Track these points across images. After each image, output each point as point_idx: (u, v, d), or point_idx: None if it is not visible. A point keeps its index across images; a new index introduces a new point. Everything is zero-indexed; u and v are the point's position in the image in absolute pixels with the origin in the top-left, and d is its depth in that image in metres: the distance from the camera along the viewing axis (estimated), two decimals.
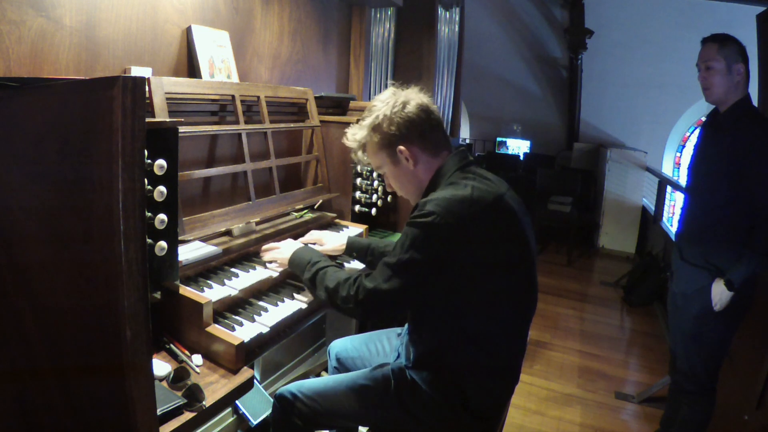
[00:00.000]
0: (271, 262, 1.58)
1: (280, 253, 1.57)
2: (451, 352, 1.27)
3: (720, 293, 1.77)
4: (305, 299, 1.51)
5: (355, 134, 1.38)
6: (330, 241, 1.72)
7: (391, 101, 1.32)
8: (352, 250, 1.69)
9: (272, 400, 1.50)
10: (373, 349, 1.66)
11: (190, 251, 1.43)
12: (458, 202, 1.17)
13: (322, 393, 1.42)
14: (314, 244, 1.72)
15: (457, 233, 1.16)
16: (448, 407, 1.28)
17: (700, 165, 1.96)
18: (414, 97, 1.32)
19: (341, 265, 1.76)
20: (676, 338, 2.03)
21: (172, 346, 1.23)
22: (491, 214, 1.20)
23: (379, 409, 1.37)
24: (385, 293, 1.20)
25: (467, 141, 7.28)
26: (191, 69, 1.79)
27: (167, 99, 1.43)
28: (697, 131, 3.42)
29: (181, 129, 1.26)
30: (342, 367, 1.70)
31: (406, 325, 1.42)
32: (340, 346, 1.73)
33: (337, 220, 2.09)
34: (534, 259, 1.31)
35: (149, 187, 1.09)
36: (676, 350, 2.03)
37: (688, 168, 2.06)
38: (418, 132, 1.30)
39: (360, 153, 1.41)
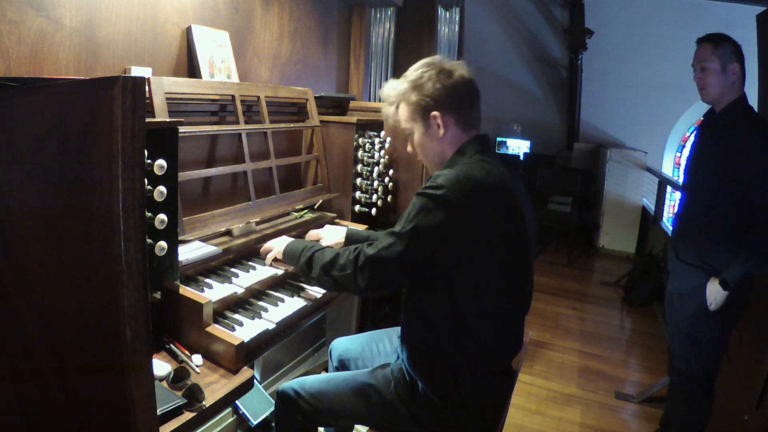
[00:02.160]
0: (270, 261, 1.58)
1: (276, 248, 1.56)
2: (445, 350, 1.27)
3: (715, 293, 1.77)
4: (305, 299, 1.51)
5: (395, 87, 1.35)
6: (328, 236, 1.72)
7: (438, 66, 1.30)
8: (351, 242, 1.68)
9: (272, 400, 1.50)
10: (375, 350, 1.66)
11: (190, 251, 1.43)
12: (469, 182, 1.18)
13: (324, 391, 1.42)
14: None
15: (463, 210, 1.16)
16: (447, 407, 1.28)
17: (697, 164, 1.96)
18: (460, 69, 1.31)
19: None
20: (673, 338, 2.03)
21: (172, 346, 1.23)
22: (498, 201, 1.21)
23: (381, 409, 1.37)
24: (387, 260, 1.20)
25: None
26: (191, 69, 1.79)
27: (167, 99, 1.44)
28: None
29: (181, 129, 1.26)
30: (342, 367, 1.70)
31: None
32: (342, 346, 1.73)
33: (337, 220, 2.09)
34: (531, 256, 1.31)
35: (149, 187, 1.09)
36: (674, 350, 2.04)
37: (685, 167, 2.07)
38: (456, 103, 1.30)
39: (393, 108, 1.38)
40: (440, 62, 1.32)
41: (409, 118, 1.35)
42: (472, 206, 1.17)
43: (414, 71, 1.32)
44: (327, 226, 1.81)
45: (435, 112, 1.30)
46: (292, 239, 1.58)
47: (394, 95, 1.36)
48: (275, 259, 1.58)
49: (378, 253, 1.21)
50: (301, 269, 1.40)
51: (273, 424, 1.52)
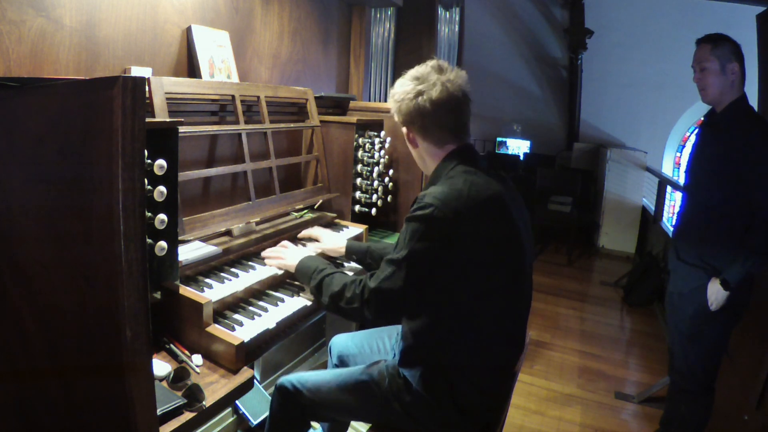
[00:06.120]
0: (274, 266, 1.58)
1: (286, 261, 1.56)
2: (441, 350, 1.28)
3: (716, 293, 1.78)
4: (305, 299, 1.51)
5: (391, 96, 1.39)
6: (328, 240, 1.73)
7: (411, 86, 1.32)
8: (352, 253, 1.70)
9: (271, 398, 1.51)
10: (374, 347, 1.67)
11: (190, 251, 1.43)
12: (454, 197, 1.20)
13: (321, 386, 1.44)
14: (312, 240, 1.75)
15: (453, 226, 1.18)
16: (439, 406, 1.29)
17: (697, 165, 1.96)
18: (437, 88, 1.29)
19: (341, 266, 1.77)
20: (673, 338, 2.03)
21: (172, 346, 1.23)
22: (486, 210, 1.22)
23: (376, 406, 1.38)
24: (389, 290, 1.22)
25: None
26: (191, 69, 1.79)
27: (167, 99, 1.43)
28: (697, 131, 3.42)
29: (181, 129, 1.26)
30: (342, 364, 1.71)
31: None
32: (341, 342, 1.74)
33: (337, 220, 2.09)
34: (526, 258, 1.32)
35: (149, 187, 1.09)
36: (674, 349, 2.04)
37: (686, 168, 2.07)
38: (420, 123, 1.33)
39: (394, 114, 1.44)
40: (425, 77, 1.31)
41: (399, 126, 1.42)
42: (462, 221, 1.19)
43: (400, 86, 1.36)
44: (328, 231, 1.83)
45: (404, 128, 1.37)
46: (305, 255, 1.56)
47: (389, 99, 1.41)
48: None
49: (380, 285, 1.24)
50: (311, 291, 1.45)
51: (268, 416, 1.53)
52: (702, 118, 2.01)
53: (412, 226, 1.21)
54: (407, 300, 1.25)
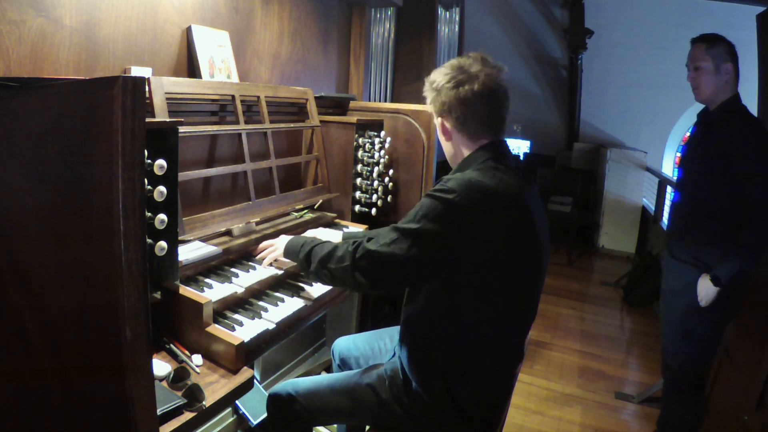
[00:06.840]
0: (270, 264, 1.57)
1: (276, 251, 1.55)
2: (440, 353, 1.27)
3: (706, 289, 1.78)
4: (305, 299, 1.51)
5: (431, 81, 1.34)
6: (325, 238, 1.72)
7: (453, 74, 1.28)
8: None
9: (266, 409, 1.50)
10: (376, 348, 1.66)
11: (190, 251, 1.43)
12: (480, 189, 1.16)
13: (317, 391, 1.42)
14: None
15: (471, 217, 1.14)
16: (439, 408, 1.28)
17: (691, 162, 1.98)
18: (482, 79, 1.26)
19: None
20: (666, 335, 2.04)
21: (172, 346, 1.23)
22: (507, 210, 1.18)
23: (376, 408, 1.37)
24: (386, 256, 1.18)
25: None
26: (191, 69, 1.79)
27: (167, 99, 1.44)
28: None
29: (181, 129, 1.26)
30: (345, 365, 1.70)
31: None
32: (344, 344, 1.73)
33: (337, 220, 2.09)
34: (541, 267, 1.28)
35: (149, 187, 1.09)
36: (667, 347, 2.04)
37: (679, 165, 2.08)
38: (458, 114, 1.29)
39: (428, 99, 1.39)
40: (467, 67, 1.28)
41: (432, 112, 1.38)
42: (481, 213, 1.15)
43: (440, 74, 1.32)
44: (321, 229, 1.82)
45: (442, 118, 1.33)
46: (292, 236, 1.57)
47: (426, 88, 1.37)
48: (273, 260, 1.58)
49: (379, 248, 1.19)
50: (300, 264, 1.40)
51: (270, 428, 1.52)
52: (696, 118, 2.02)
53: (429, 204, 1.17)
54: (403, 272, 1.20)
